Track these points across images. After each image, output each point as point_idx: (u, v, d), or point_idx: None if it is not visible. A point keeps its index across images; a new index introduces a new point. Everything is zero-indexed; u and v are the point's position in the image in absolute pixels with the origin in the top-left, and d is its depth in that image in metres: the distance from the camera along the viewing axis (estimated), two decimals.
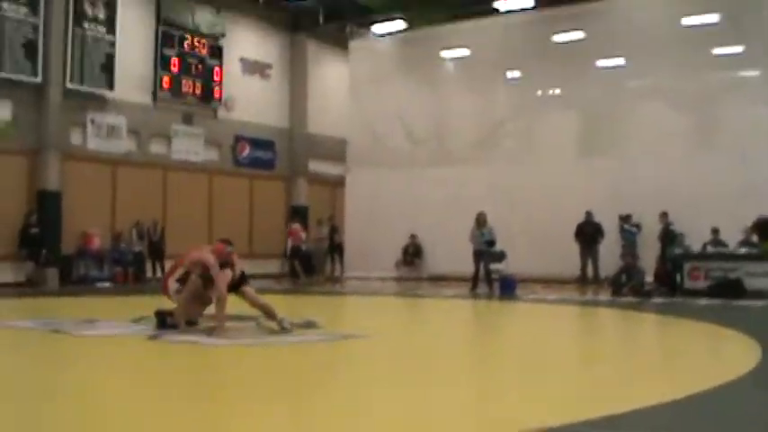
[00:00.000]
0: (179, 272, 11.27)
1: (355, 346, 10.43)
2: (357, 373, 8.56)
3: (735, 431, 6.01)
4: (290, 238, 24.56)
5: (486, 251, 20.26)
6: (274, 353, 9.61)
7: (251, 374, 8.28)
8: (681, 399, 6.86)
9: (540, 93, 24.80)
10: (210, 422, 5.87)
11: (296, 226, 24.88)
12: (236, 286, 10.78)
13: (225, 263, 10.64)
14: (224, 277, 10.52)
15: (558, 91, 24.70)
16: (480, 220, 20.32)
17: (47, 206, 21.02)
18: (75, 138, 22.34)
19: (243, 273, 10.91)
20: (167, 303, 11.33)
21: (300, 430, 5.80)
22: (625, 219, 21.30)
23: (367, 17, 27.15)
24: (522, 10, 24.49)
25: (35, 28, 20.95)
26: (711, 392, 7.22)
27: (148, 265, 23.07)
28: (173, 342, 10.05)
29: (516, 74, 25.18)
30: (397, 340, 11.50)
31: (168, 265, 22.13)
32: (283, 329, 10.60)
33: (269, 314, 10.89)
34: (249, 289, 10.95)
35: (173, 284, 11.24)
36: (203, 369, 8.71)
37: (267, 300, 11.36)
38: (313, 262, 25.12)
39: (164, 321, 10.83)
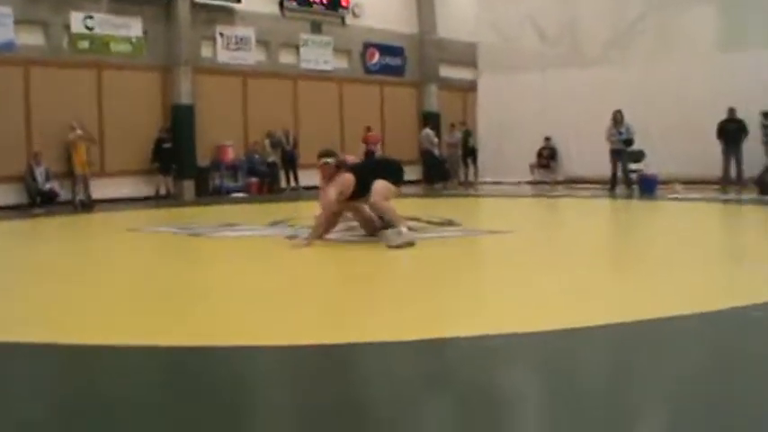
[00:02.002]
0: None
1: (500, 239, 10.33)
2: (507, 259, 8.95)
3: None
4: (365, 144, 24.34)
5: (623, 150, 19.65)
6: (421, 246, 9.54)
7: (405, 263, 8.70)
8: None
9: None
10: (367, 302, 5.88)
11: (372, 134, 24.68)
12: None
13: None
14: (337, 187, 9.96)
15: None
16: (617, 119, 19.67)
17: (180, 120, 21.24)
18: (206, 51, 22.42)
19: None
20: (304, 210, 11.24)
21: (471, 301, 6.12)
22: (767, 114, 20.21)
23: None
24: None
25: None
26: None
27: (282, 175, 23.18)
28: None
29: None
30: (539, 235, 11.51)
31: (302, 174, 22.46)
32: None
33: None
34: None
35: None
36: (353, 261, 8.91)
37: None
38: (447, 167, 24.84)
39: None
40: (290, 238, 10.34)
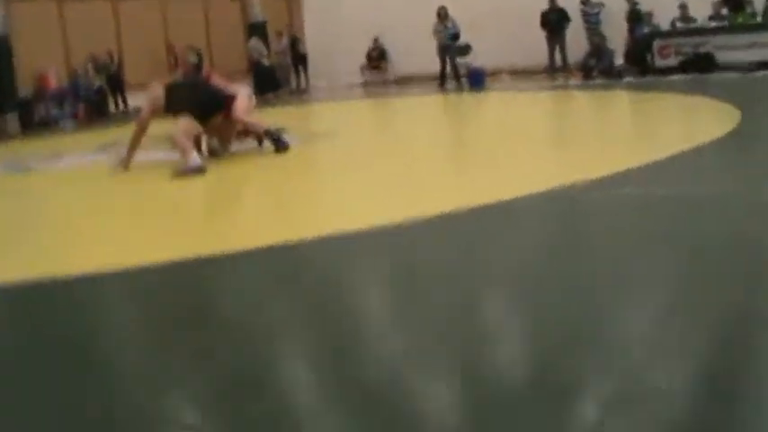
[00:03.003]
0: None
1: (328, 143, 10.42)
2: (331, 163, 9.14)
3: (722, 181, 5.92)
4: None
5: (451, 45, 19.88)
6: (252, 156, 9.70)
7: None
8: (663, 159, 6.76)
9: None
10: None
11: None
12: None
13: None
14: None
15: None
16: (442, 14, 19.86)
17: None
18: None
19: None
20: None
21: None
22: (585, 1, 20.73)
23: None
24: None
25: None
26: (695, 150, 7.12)
27: (110, 100, 22.50)
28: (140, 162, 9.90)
29: None
30: (368, 138, 11.62)
31: (130, 96, 21.84)
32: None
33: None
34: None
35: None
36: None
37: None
38: (277, 75, 24.58)
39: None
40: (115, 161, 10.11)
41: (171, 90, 9.79)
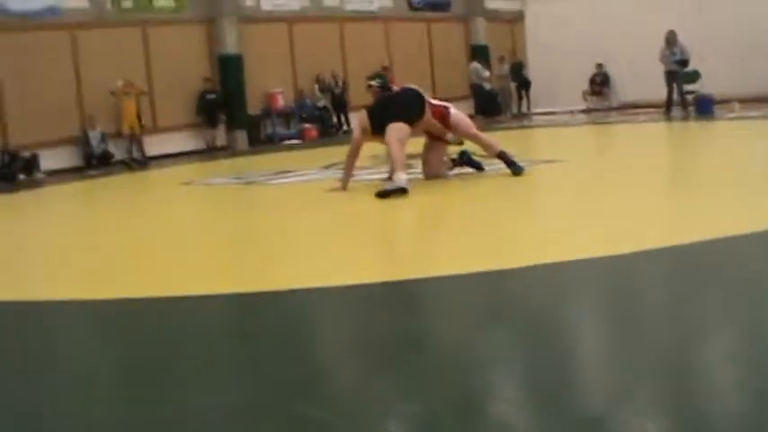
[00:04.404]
0: None
1: (557, 168, 10.32)
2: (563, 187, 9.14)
3: None
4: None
5: (678, 71, 19.23)
6: (478, 179, 9.83)
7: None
8: None
9: None
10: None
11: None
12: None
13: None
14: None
15: None
16: (670, 39, 19.22)
17: (228, 70, 21.15)
18: (249, 0, 22.30)
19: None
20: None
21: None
22: None
23: None
24: None
25: None
26: None
27: (334, 119, 23.11)
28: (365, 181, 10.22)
29: None
30: (595, 162, 11.48)
31: (352, 117, 22.31)
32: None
33: None
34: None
35: None
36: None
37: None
38: (498, 100, 24.53)
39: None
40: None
41: (371, 110, 10.01)
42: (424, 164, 10.23)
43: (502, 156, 9.94)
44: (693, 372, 3.43)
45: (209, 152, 19.84)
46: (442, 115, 10.00)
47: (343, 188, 9.85)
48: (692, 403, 3.05)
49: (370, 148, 10.56)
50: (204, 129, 20.50)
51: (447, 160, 10.25)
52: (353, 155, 9.97)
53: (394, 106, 9.86)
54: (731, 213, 6.53)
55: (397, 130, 9.48)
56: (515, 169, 9.75)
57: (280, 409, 3.30)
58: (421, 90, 10.17)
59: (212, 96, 20.43)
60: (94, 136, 17.76)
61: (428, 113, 9.80)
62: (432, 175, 10.09)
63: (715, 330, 3.92)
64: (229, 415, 3.30)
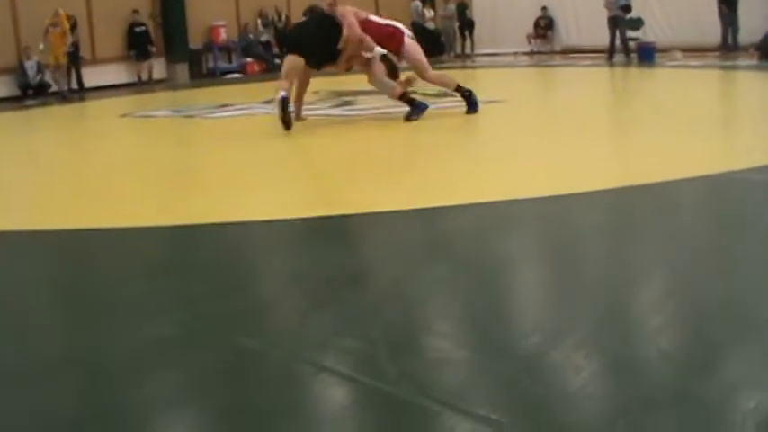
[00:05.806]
0: None
1: (497, 109, 10.41)
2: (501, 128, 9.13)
3: None
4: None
5: (621, 17, 19.29)
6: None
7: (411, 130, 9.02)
8: None
9: None
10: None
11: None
12: None
13: None
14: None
15: None
16: None
17: (169, 3, 20.73)
18: None
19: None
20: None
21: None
22: None
23: None
24: None
25: None
26: None
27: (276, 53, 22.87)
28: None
29: None
30: (535, 104, 11.54)
31: None
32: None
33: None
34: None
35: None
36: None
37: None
38: (442, 40, 24.39)
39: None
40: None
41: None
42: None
43: (459, 90, 9.97)
44: (629, 312, 3.49)
45: (147, 84, 19.55)
46: (391, 35, 9.78)
47: (298, 116, 9.71)
48: (626, 345, 3.10)
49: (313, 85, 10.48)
50: (135, 62, 20.08)
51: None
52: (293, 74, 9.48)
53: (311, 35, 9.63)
54: (658, 159, 6.62)
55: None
56: (471, 107, 9.83)
57: (219, 340, 3.30)
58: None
59: (141, 29, 20.00)
60: (30, 66, 17.35)
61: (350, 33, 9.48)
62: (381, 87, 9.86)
63: (651, 272, 3.99)
64: (168, 345, 3.29)
